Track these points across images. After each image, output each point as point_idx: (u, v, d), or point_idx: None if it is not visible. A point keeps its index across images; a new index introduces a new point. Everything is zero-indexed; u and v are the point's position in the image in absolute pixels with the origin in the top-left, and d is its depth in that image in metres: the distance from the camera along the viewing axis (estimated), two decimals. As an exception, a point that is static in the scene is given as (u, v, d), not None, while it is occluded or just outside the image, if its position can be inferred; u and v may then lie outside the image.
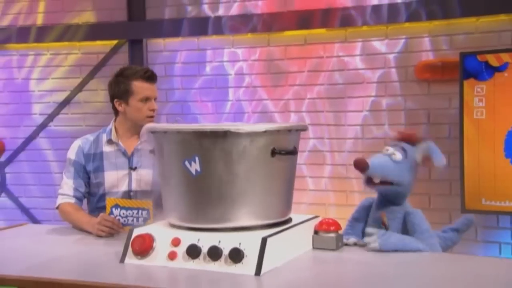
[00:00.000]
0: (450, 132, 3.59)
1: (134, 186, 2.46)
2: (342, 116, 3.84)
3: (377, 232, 1.97)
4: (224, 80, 4.06)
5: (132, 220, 2.33)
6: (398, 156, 2.06)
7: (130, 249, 1.86)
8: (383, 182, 2.07)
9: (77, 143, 2.54)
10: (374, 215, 2.16)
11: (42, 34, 4.35)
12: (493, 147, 3.22)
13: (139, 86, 2.43)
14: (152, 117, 2.46)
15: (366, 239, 1.98)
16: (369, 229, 2.00)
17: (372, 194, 2.21)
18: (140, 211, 2.33)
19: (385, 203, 2.13)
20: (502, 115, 3.20)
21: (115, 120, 2.55)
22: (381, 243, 1.94)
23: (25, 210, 4.47)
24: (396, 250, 1.95)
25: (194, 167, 1.81)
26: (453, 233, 2.26)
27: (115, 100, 2.48)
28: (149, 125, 1.97)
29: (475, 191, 3.27)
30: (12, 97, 4.49)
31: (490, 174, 3.22)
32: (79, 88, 4.36)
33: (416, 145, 2.12)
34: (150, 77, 2.46)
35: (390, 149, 2.10)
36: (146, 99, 2.44)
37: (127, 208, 2.33)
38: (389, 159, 2.07)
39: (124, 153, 2.50)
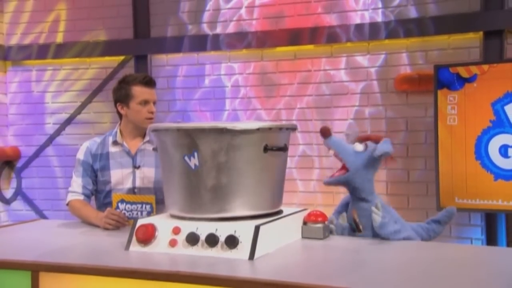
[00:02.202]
0: (426, 138, 3.61)
1: (138, 183, 2.46)
2: (329, 124, 3.84)
3: (381, 216, 1.94)
4: (221, 92, 4.07)
5: (137, 214, 2.32)
6: (359, 147, 2.08)
7: (134, 237, 1.85)
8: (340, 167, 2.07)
9: (85, 145, 2.54)
10: (350, 211, 2.16)
11: (56, 51, 4.36)
12: (464, 150, 3.24)
13: (138, 90, 2.44)
14: (151, 119, 2.46)
15: (374, 216, 1.94)
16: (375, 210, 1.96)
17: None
18: (144, 205, 2.32)
19: (355, 200, 2.11)
20: (472, 121, 3.22)
21: (120, 124, 2.55)
22: (379, 226, 1.92)
23: (39, 212, 4.44)
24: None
25: (193, 161, 1.82)
26: (435, 225, 2.24)
27: (118, 103, 2.49)
28: (153, 125, 1.98)
29: (449, 191, 3.28)
30: (29, 109, 4.48)
31: (462, 175, 3.24)
32: (89, 100, 4.36)
33: (379, 143, 2.10)
34: (148, 82, 2.47)
35: (356, 142, 2.11)
36: (145, 102, 2.45)
37: (131, 203, 2.32)
38: (351, 146, 2.09)
39: (128, 153, 2.49)
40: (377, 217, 1.94)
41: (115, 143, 2.51)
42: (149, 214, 2.30)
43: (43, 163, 4.44)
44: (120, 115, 2.52)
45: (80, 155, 2.52)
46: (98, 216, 2.31)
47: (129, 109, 2.46)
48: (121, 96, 2.47)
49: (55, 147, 4.42)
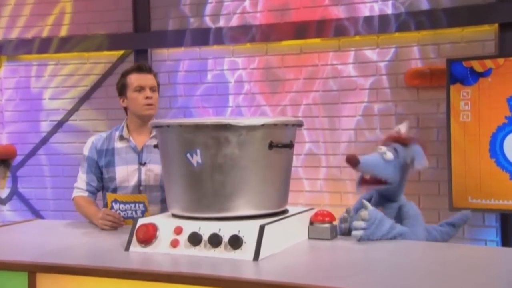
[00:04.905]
0: (438, 135, 3.60)
1: (143, 181, 2.46)
2: (336, 121, 3.85)
3: (364, 226, 1.94)
4: (224, 88, 4.07)
5: (131, 213, 2.32)
6: (389, 155, 2.08)
7: (134, 237, 1.85)
8: (374, 181, 2.08)
9: (91, 140, 2.56)
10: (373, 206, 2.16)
11: (52, 46, 4.37)
12: (478, 148, 3.23)
13: (132, 78, 2.48)
14: (149, 105, 2.46)
15: (354, 233, 1.95)
16: (356, 223, 1.97)
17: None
18: (137, 205, 2.32)
19: (383, 200, 2.15)
20: (486, 117, 3.22)
21: (127, 119, 2.57)
22: (367, 235, 1.93)
23: (35, 212, 4.46)
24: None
25: (196, 159, 1.82)
26: (449, 227, 2.28)
27: (119, 97, 2.53)
28: (154, 121, 1.98)
29: (462, 190, 3.27)
30: (25, 105, 4.50)
31: (476, 173, 3.23)
32: (88, 95, 4.38)
33: (408, 147, 2.13)
34: (140, 68, 2.50)
35: (383, 148, 2.11)
36: (140, 88, 2.46)
37: (125, 203, 2.33)
38: (380, 158, 2.09)
39: (134, 149, 2.49)
40: (357, 233, 1.92)
41: (121, 138, 2.51)
42: (143, 213, 2.31)
43: (39, 162, 4.46)
44: (126, 110, 2.55)
45: (85, 151, 2.53)
46: (96, 216, 2.32)
47: (128, 99, 2.49)
48: (120, 89, 2.51)
49: (52, 145, 4.44)
